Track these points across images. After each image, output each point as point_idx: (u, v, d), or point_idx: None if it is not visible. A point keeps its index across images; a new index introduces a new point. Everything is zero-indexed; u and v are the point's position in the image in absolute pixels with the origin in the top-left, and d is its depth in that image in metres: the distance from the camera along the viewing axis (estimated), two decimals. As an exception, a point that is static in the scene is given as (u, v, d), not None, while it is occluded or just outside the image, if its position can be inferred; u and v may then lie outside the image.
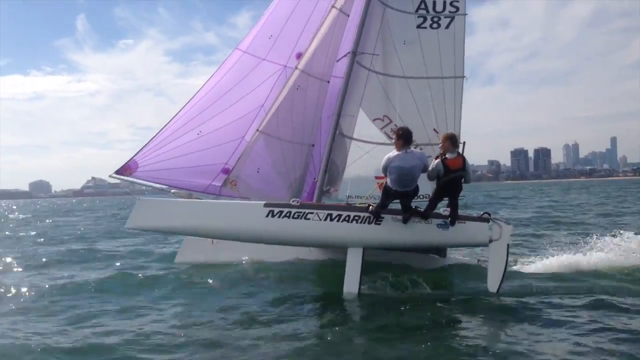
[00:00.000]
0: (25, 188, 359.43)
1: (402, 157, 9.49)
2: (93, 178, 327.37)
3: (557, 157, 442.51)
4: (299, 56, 12.98)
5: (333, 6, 12.44)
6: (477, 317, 9.04)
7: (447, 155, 9.78)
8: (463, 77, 12.33)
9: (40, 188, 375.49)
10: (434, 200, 9.95)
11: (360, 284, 9.96)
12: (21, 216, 56.42)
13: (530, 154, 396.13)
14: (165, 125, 12.37)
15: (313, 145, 12.48)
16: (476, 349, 7.26)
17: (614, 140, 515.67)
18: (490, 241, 9.86)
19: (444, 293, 10.63)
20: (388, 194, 9.68)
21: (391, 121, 12.14)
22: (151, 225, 11.08)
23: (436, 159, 9.95)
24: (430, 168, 9.82)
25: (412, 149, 9.76)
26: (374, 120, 12.17)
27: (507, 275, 10.10)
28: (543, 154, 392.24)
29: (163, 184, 12.17)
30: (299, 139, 12.24)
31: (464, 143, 10.41)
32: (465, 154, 10.18)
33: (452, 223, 9.78)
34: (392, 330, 8.17)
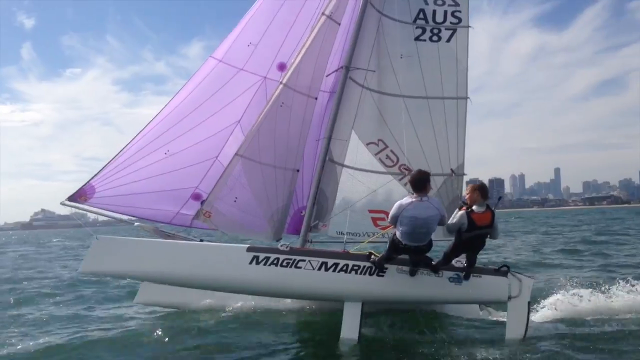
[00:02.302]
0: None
1: (417, 205, 7.84)
2: (42, 210, 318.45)
3: (505, 187, 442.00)
4: (281, 67, 11.59)
5: (323, 13, 10.95)
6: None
7: (474, 208, 8.23)
8: (466, 97, 11.07)
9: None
10: (450, 255, 8.46)
11: (360, 334, 8.53)
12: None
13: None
14: (127, 144, 10.77)
15: (298, 170, 10.96)
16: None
17: (557, 171, 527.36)
18: (509, 298, 8.54)
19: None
20: (396, 248, 8.12)
21: (387, 146, 10.79)
22: (110, 270, 9.37)
23: (460, 209, 8.40)
24: (451, 220, 8.31)
25: (429, 196, 8.10)
26: (368, 144, 10.78)
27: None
28: (497, 184, 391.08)
29: (123, 213, 10.52)
30: (282, 163, 10.70)
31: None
32: None
33: (467, 277, 8.42)
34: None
